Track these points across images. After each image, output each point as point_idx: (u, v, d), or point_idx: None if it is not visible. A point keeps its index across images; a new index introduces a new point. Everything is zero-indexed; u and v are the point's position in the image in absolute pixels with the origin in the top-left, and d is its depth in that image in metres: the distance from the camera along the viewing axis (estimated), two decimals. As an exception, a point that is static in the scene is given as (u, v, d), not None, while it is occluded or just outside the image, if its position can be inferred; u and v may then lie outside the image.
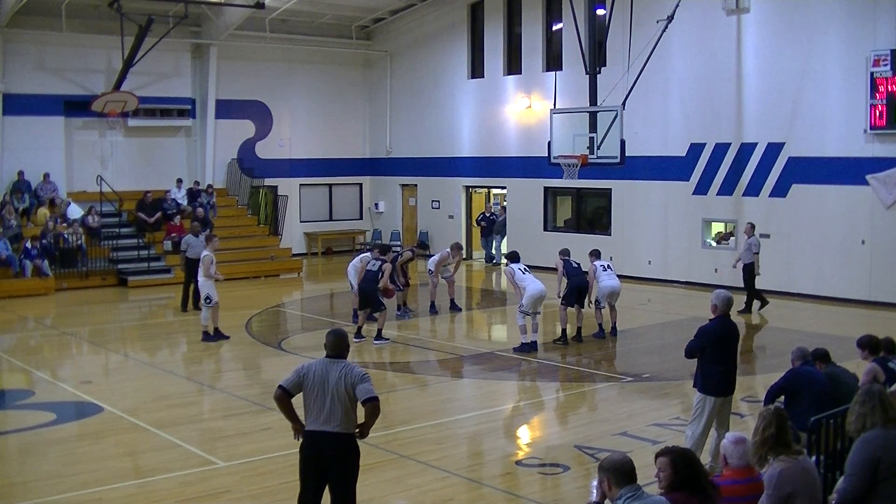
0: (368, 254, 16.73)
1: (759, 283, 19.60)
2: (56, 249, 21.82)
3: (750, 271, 17.98)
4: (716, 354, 8.45)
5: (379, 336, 15.32)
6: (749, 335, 15.60)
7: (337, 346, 6.74)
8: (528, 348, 14.51)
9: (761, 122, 20.28)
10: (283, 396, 6.72)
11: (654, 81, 21.03)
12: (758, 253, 17.98)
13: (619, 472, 4.96)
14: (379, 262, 15.57)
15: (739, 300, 17.92)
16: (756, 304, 18.17)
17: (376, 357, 14.78)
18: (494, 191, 28.29)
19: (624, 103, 19.62)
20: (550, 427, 11.18)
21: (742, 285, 18.02)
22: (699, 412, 8.52)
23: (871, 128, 18.20)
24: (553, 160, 20.94)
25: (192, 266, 17.77)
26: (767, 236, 19.84)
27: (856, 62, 18.40)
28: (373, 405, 6.64)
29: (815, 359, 8.58)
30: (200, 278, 15.81)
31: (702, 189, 21.42)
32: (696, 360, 8.71)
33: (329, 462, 6.63)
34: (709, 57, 21.10)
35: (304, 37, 28.13)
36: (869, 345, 8.95)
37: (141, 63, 23.80)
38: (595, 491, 5.20)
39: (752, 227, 18.35)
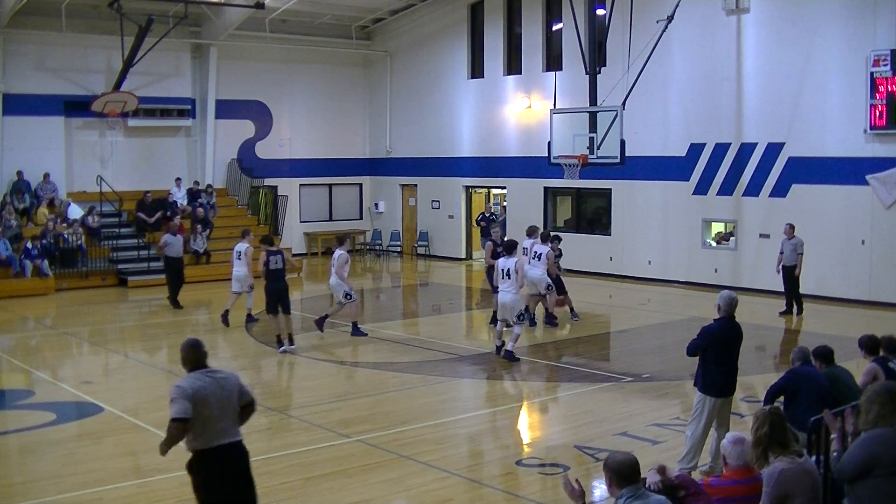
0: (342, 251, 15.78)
1: (761, 284, 19.64)
2: (56, 249, 21.82)
3: (792, 272, 17.40)
4: (718, 355, 8.44)
5: (290, 341, 14.70)
6: (751, 335, 15.56)
7: (204, 356, 6.38)
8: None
9: (761, 122, 20.28)
10: (188, 427, 6.19)
11: (654, 81, 21.03)
12: (802, 253, 17.33)
13: (621, 474, 4.98)
14: (280, 256, 14.93)
15: (755, 302, 17.90)
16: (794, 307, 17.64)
17: (378, 357, 14.78)
18: (494, 191, 28.29)
19: (624, 103, 19.64)
20: (550, 427, 11.18)
21: (782, 289, 17.75)
22: (699, 412, 8.51)
23: (871, 128, 18.19)
24: (553, 160, 20.96)
25: (171, 265, 19.19)
26: (767, 236, 19.85)
27: (856, 62, 18.39)
28: (252, 406, 6.67)
29: (816, 357, 8.56)
30: (241, 270, 16.79)
31: (702, 189, 21.42)
32: (696, 359, 8.71)
33: (238, 473, 6.44)
34: (709, 57, 21.09)
35: (304, 37, 28.13)
36: (867, 345, 8.96)
37: (141, 63, 23.81)
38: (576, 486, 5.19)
39: (793, 227, 17.46)
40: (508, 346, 13.69)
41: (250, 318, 17.06)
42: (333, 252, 15.84)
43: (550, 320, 16.38)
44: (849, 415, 6.24)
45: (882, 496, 5.41)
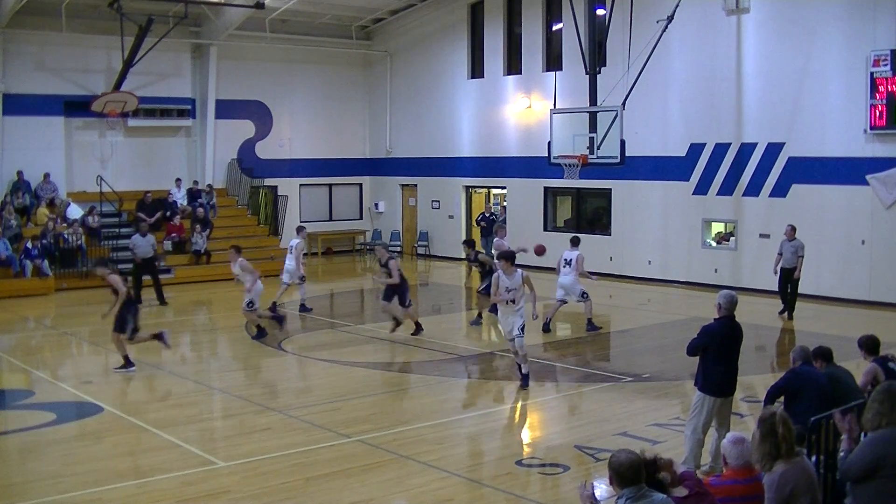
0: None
1: (761, 284, 19.64)
2: (56, 249, 21.82)
3: (791, 275, 17.11)
4: (718, 355, 8.42)
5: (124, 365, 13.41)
6: (751, 335, 15.56)
7: None
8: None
9: (761, 122, 20.27)
10: None
11: (654, 81, 21.03)
12: (802, 257, 17.05)
13: (623, 475, 4.98)
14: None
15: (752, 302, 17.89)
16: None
17: (378, 357, 14.79)
18: (494, 191, 28.29)
19: (624, 103, 19.64)
20: (550, 427, 11.17)
21: (777, 289, 17.48)
22: (697, 411, 8.50)
23: (871, 128, 18.19)
24: (553, 160, 20.96)
25: (137, 265, 19.63)
26: (767, 236, 19.85)
27: (856, 62, 18.39)
28: None
29: (816, 357, 8.57)
30: (290, 262, 18.37)
31: (702, 189, 21.42)
32: (696, 359, 8.70)
33: None
34: (709, 57, 21.09)
35: (304, 37, 28.14)
36: (867, 345, 8.96)
37: (141, 63, 23.82)
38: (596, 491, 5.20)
39: (794, 229, 17.14)
40: (524, 370, 12.41)
41: (303, 308, 18.71)
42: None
43: (592, 327, 16.19)
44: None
45: (887, 497, 5.42)
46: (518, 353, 12.27)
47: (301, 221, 29.07)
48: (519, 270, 12.12)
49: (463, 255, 27.48)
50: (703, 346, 8.49)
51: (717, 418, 8.55)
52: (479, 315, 17.41)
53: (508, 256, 12.37)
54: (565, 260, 16.06)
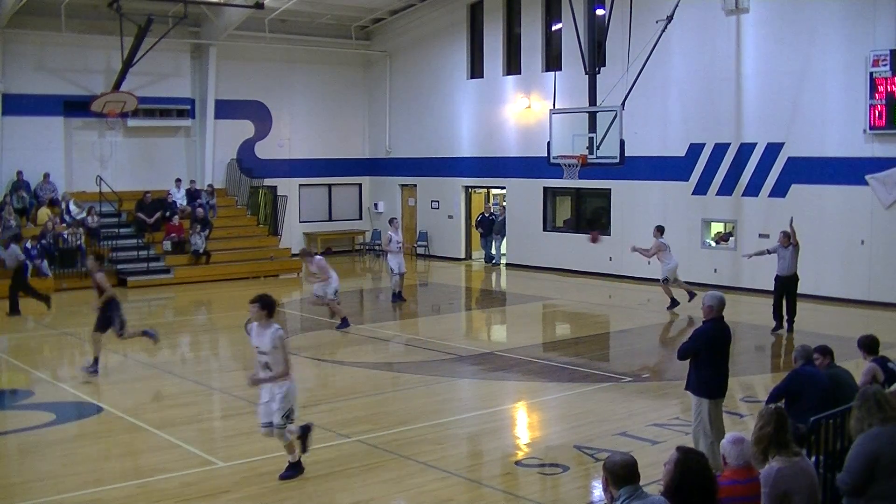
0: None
1: (761, 284, 19.64)
2: (56, 249, 21.81)
3: (790, 282, 15.69)
4: (712, 356, 8.39)
5: None
6: (750, 335, 15.62)
7: None
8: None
9: (761, 122, 20.28)
10: None
11: (654, 81, 21.03)
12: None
13: (619, 474, 4.97)
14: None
15: (744, 304, 17.88)
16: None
17: (378, 357, 14.77)
18: (494, 191, 28.30)
19: (623, 103, 19.64)
20: (550, 427, 11.17)
21: (779, 297, 15.80)
22: (701, 418, 8.41)
23: (871, 128, 18.19)
24: (553, 160, 20.96)
25: (13, 273, 18.97)
26: (767, 236, 19.82)
27: (855, 62, 18.39)
28: None
29: (818, 352, 8.57)
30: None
31: (701, 189, 21.42)
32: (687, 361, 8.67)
33: None
34: (708, 57, 21.09)
35: (303, 37, 28.14)
36: (867, 345, 8.97)
37: (140, 63, 23.81)
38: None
39: (787, 235, 15.81)
40: (291, 458, 8.76)
41: (396, 297, 19.41)
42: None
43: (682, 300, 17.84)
44: None
45: (888, 499, 5.45)
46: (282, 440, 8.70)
47: (301, 221, 29.17)
48: (272, 328, 8.64)
49: (462, 256, 27.64)
50: (697, 350, 8.47)
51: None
52: (95, 361, 13.17)
53: (255, 300, 8.72)
54: (668, 247, 18.32)
